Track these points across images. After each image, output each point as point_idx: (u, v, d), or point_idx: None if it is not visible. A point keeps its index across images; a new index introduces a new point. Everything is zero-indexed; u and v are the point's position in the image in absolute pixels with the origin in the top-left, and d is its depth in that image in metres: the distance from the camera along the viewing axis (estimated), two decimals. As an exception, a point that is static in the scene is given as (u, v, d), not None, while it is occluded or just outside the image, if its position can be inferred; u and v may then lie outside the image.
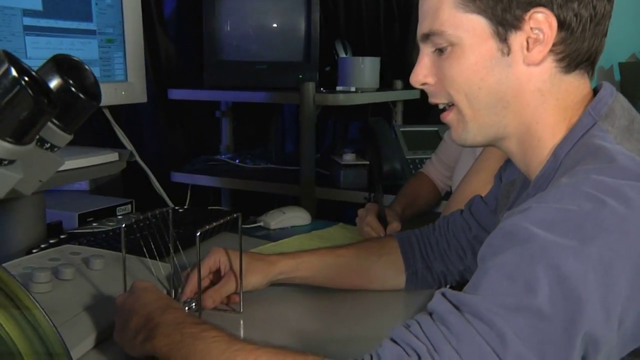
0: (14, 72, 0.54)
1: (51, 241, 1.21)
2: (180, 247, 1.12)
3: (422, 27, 0.80)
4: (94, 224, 1.38)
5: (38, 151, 0.64)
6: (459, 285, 1.03)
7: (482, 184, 1.31)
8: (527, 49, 0.75)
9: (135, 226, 1.25)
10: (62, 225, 1.39)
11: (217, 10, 1.99)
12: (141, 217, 0.97)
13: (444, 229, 1.08)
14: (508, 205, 0.90)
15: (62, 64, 0.63)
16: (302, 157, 1.74)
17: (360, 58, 2.03)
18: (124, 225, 0.88)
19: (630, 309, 0.63)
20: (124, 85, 1.41)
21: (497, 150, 1.31)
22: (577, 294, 0.60)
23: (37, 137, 0.62)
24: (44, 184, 0.71)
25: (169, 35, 2.06)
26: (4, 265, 0.99)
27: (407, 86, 2.25)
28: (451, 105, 0.81)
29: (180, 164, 2.09)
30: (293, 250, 1.10)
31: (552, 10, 0.73)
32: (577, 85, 0.78)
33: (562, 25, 0.74)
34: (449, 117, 0.82)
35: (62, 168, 1.22)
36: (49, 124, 0.62)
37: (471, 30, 0.76)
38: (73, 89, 0.62)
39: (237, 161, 2.12)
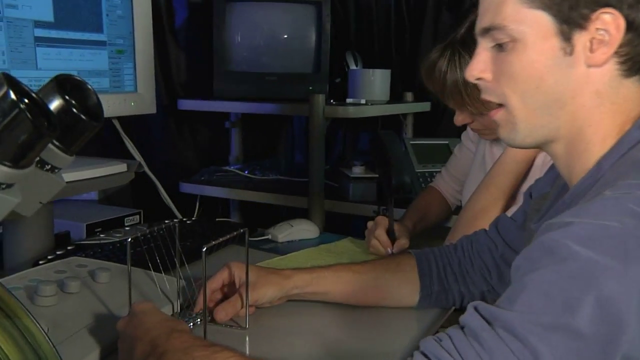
0: (12, 96, 0.53)
1: (58, 252, 1.21)
2: (185, 261, 1.11)
3: (483, 21, 0.78)
4: (101, 235, 1.38)
5: (38, 173, 0.63)
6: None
7: (491, 200, 1.30)
8: (591, 50, 0.72)
9: (142, 238, 1.25)
10: (69, 235, 1.39)
11: (228, 21, 1.99)
12: (147, 230, 0.96)
13: (468, 248, 1.06)
14: (540, 215, 0.88)
15: (64, 84, 0.62)
16: (311, 170, 1.73)
17: (371, 70, 2.02)
18: (129, 239, 0.87)
19: None
20: (133, 96, 1.41)
21: (508, 166, 1.32)
22: (617, 315, 0.59)
23: (37, 158, 0.61)
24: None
25: (180, 46, 2.07)
26: (9, 277, 0.99)
27: (418, 99, 2.25)
28: (501, 106, 0.79)
29: (189, 174, 2.09)
30: (301, 263, 1.09)
31: (621, 10, 0.71)
32: (634, 91, 0.75)
33: (630, 26, 0.72)
34: (497, 115, 0.80)
35: (70, 179, 1.24)
36: (50, 145, 0.61)
37: (535, 26, 0.74)
38: (75, 109, 0.61)
39: (246, 172, 2.12)
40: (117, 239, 1.33)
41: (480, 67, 0.79)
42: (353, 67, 2.20)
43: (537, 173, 1.27)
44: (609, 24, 0.71)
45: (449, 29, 1.36)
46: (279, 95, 1.99)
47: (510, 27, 0.75)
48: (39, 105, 0.57)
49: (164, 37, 1.98)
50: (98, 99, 0.64)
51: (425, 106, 2.24)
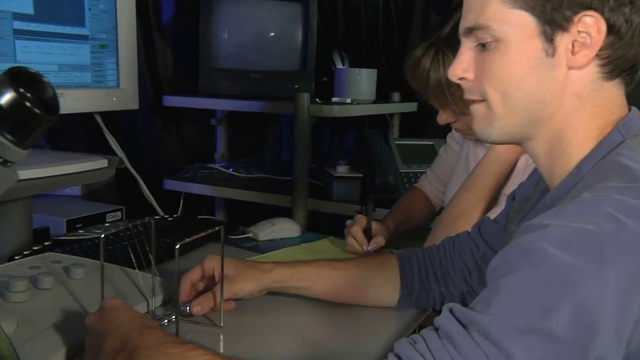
0: None
1: (34, 248, 1.19)
2: (163, 258, 1.10)
3: (467, 21, 0.78)
4: (81, 231, 1.36)
5: (-10, 166, 0.61)
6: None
7: (474, 201, 1.29)
8: (572, 52, 0.73)
9: (121, 234, 1.23)
10: (49, 231, 1.37)
11: (215, 17, 1.98)
12: (121, 227, 0.95)
13: (449, 249, 1.06)
14: (521, 217, 0.88)
15: (18, 76, 0.60)
16: (295, 168, 1.73)
17: (357, 69, 2.01)
18: (102, 236, 0.86)
19: (636, 331, 0.62)
20: (115, 91, 1.39)
21: (490, 167, 1.32)
22: (593, 319, 0.59)
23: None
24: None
25: (167, 42, 2.05)
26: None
27: (405, 99, 2.24)
28: (482, 100, 0.79)
29: (174, 171, 2.08)
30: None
31: (602, 14, 0.71)
32: (616, 94, 0.76)
33: (611, 29, 0.72)
34: (477, 106, 0.80)
35: (50, 174, 1.22)
36: (1, 138, 0.59)
37: (518, 26, 0.74)
38: (27, 103, 0.60)
39: (231, 170, 2.11)
40: (95, 235, 1.32)
41: (462, 66, 0.79)
42: (340, 66, 2.19)
43: (519, 175, 1.27)
44: (590, 27, 0.72)
45: (435, 29, 1.36)
46: (265, 93, 1.99)
47: (494, 27, 0.75)
48: None
49: (150, 33, 1.97)
50: (54, 92, 0.62)
51: (412, 106, 2.24)
